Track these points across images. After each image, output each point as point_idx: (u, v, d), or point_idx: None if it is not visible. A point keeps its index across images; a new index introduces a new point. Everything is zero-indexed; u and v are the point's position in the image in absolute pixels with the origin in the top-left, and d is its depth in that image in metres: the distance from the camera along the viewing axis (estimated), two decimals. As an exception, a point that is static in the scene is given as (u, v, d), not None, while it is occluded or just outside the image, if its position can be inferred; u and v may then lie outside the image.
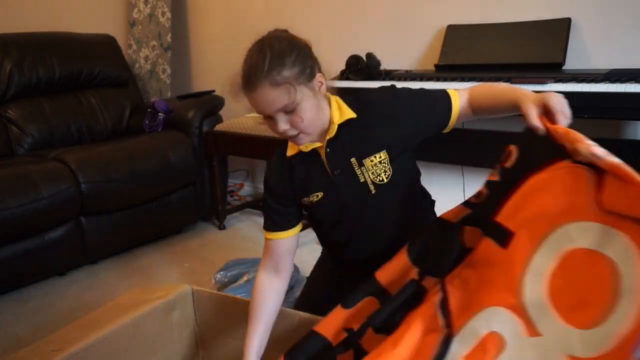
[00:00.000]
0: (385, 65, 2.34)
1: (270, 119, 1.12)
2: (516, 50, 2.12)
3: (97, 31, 3.08)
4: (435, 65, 2.27)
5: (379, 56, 2.29)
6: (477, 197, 0.97)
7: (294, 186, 1.23)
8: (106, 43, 3.05)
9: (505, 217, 0.85)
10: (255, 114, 2.75)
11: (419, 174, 1.32)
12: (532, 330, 0.78)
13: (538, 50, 2.06)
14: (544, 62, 2.02)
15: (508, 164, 0.91)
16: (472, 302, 0.86)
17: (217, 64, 3.26)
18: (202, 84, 3.29)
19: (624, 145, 2.03)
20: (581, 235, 0.75)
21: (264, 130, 2.48)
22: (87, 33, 3.01)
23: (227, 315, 1.29)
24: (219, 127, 2.69)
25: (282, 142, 1.25)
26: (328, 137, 1.18)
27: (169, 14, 3.21)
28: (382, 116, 1.19)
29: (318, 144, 1.19)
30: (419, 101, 1.20)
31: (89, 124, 2.79)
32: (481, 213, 0.93)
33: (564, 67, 2.00)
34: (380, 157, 1.18)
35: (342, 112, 1.20)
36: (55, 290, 2.12)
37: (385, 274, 1.05)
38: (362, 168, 1.19)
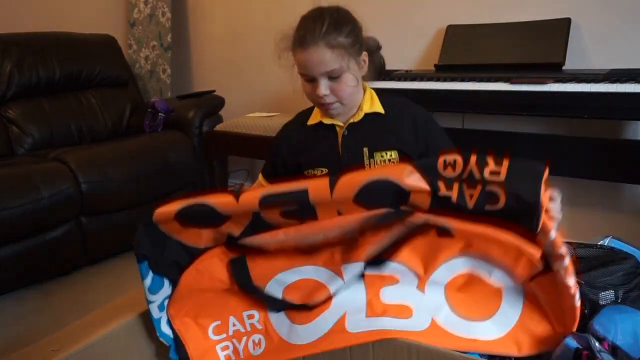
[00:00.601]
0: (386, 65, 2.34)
1: (312, 82, 1.17)
2: (516, 50, 2.12)
3: (97, 31, 3.08)
4: (435, 65, 2.27)
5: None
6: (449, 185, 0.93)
7: (303, 156, 1.28)
8: (106, 43, 3.05)
9: (458, 226, 0.91)
10: (256, 114, 2.76)
11: None
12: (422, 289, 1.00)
13: (538, 50, 2.06)
14: (544, 62, 2.02)
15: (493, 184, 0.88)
16: (400, 249, 0.97)
17: (217, 64, 3.26)
18: (202, 84, 3.30)
19: (624, 145, 2.03)
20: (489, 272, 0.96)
21: (264, 130, 2.48)
22: (88, 33, 3.01)
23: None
24: (219, 127, 2.69)
25: (302, 112, 1.32)
26: (352, 120, 1.24)
27: (169, 14, 3.21)
28: (406, 123, 1.25)
29: (340, 123, 1.25)
30: (438, 134, 1.28)
31: (89, 124, 2.79)
32: (442, 204, 0.91)
33: (564, 67, 2.00)
34: (390, 155, 1.24)
35: (372, 104, 1.26)
36: (55, 290, 2.12)
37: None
38: (371, 160, 1.23)
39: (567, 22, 2.04)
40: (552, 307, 0.93)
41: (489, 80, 1.92)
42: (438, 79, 2.05)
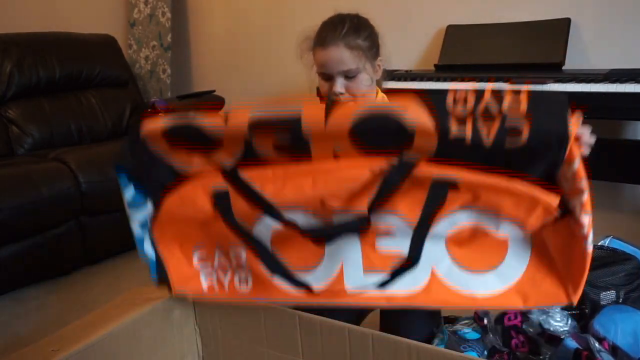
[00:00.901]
0: (385, 65, 2.34)
1: (328, 80, 1.24)
2: (516, 50, 2.12)
3: (97, 31, 3.08)
4: (435, 65, 2.28)
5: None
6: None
7: None
8: (106, 43, 3.05)
9: (468, 177, 0.83)
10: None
11: None
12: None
13: (538, 50, 2.06)
14: (544, 62, 2.02)
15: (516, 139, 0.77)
16: (397, 199, 0.90)
17: (217, 64, 3.27)
18: (202, 84, 3.30)
19: (624, 145, 2.03)
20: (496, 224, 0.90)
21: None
22: (88, 33, 3.01)
23: (227, 314, 1.29)
24: (219, 127, 2.69)
25: None
26: None
27: (169, 14, 3.21)
28: None
29: None
30: None
31: (89, 124, 2.79)
32: (454, 148, 0.81)
33: (564, 67, 2.00)
34: None
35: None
36: (55, 290, 2.12)
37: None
38: None
39: (567, 22, 2.04)
40: (562, 254, 0.86)
41: (488, 80, 1.92)
42: (438, 79, 2.06)
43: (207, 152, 0.95)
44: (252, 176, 0.94)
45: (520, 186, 0.80)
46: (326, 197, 0.92)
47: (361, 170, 0.89)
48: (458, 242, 0.94)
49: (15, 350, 1.07)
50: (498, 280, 0.91)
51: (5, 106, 2.59)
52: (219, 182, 0.96)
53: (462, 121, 0.78)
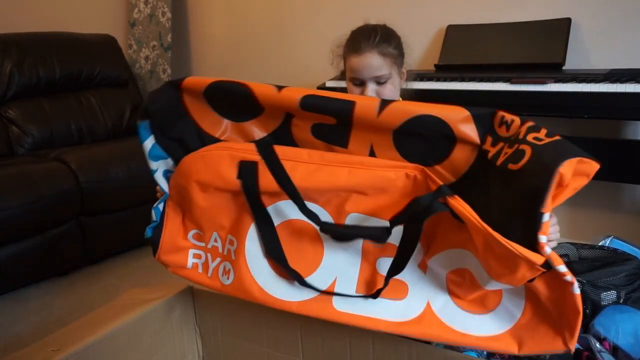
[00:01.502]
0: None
1: (360, 86, 1.32)
2: (516, 50, 2.12)
3: (97, 31, 3.08)
4: (435, 65, 2.27)
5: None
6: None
7: None
8: (106, 43, 3.04)
9: (468, 217, 0.82)
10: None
11: None
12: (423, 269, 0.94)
13: (538, 50, 2.06)
14: (544, 62, 2.02)
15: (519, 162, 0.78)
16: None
17: (217, 64, 3.27)
18: (202, 84, 3.29)
19: (624, 145, 2.03)
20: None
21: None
22: (88, 33, 3.01)
23: (227, 314, 1.29)
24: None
25: None
26: None
27: (169, 14, 3.21)
28: None
29: None
30: None
31: (89, 124, 2.79)
32: (480, 160, 0.84)
33: (564, 67, 2.00)
34: None
35: None
36: (55, 290, 2.12)
37: None
38: None
39: (567, 22, 2.04)
40: (553, 303, 0.87)
41: (489, 80, 1.92)
42: (438, 79, 2.05)
43: (244, 118, 0.94)
44: (287, 155, 0.93)
45: (506, 245, 0.76)
46: (359, 189, 0.91)
47: (397, 171, 0.89)
48: (457, 281, 0.92)
49: (15, 350, 1.07)
50: (494, 323, 0.90)
51: (6, 106, 2.59)
52: (250, 152, 0.95)
53: (496, 142, 0.81)
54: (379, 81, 1.31)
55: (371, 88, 1.31)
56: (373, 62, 1.29)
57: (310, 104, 0.88)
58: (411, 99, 1.37)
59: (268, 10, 2.98)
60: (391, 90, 1.33)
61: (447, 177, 0.89)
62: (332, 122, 0.90)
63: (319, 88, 1.32)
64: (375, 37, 1.30)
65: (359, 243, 0.96)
